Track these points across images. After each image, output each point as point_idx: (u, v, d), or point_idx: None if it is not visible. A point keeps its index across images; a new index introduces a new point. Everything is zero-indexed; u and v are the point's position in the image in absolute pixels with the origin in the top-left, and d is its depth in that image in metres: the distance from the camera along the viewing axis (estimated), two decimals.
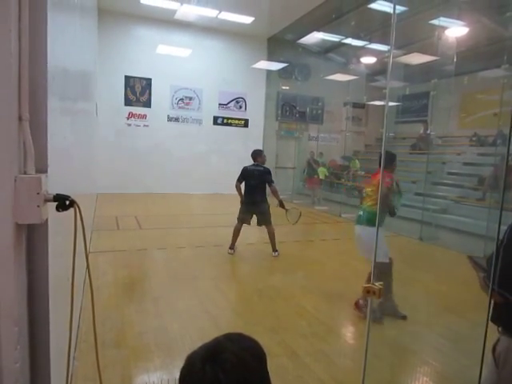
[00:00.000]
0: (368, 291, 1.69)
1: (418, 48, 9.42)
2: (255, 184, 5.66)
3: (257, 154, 5.88)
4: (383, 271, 3.35)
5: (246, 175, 5.76)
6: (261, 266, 5.58)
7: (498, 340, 1.52)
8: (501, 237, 1.51)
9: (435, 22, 8.38)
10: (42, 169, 1.20)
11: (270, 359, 0.87)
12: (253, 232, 7.84)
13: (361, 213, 3.89)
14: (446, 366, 3.02)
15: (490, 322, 1.54)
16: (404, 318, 3.69)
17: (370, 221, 3.68)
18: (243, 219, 5.79)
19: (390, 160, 3.73)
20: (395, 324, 3.61)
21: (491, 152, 8.92)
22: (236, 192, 5.84)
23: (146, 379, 2.60)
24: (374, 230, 3.01)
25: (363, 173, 12.22)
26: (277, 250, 5.88)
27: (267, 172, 5.76)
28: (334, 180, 12.74)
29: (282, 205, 5.71)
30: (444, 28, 8.46)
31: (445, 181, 9.58)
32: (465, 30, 8.59)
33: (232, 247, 5.81)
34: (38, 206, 1.10)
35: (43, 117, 1.24)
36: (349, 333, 3.71)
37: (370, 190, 3.90)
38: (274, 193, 5.72)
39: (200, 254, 5.86)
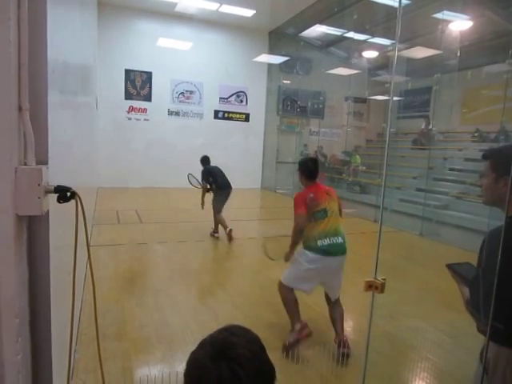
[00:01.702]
0: (370, 286, 1.69)
1: (421, 42, 9.35)
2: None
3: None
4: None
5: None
6: (261, 260, 5.56)
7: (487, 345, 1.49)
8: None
9: (439, 15, 8.30)
10: (42, 160, 1.19)
11: (269, 352, 0.86)
12: (253, 226, 7.84)
13: (341, 239, 3.10)
14: (447, 361, 3.03)
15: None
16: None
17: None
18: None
19: (317, 167, 3.22)
20: (395, 319, 3.61)
21: None
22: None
23: (146, 372, 2.61)
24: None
25: (364, 168, 12.19)
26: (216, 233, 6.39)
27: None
28: (335, 175, 12.71)
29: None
30: (448, 22, 8.39)
31: (446, 177, 9.55)
32: (469, 24, 8.51)
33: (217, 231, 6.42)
34: (39, 198, 1.09)
35: (43, 108, 1.22)
36: (348, 327, 3.71)
37: (330, 203, 3.12)
38: None
39: (200, 248, 5.86)
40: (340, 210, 3.23)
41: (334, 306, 3.29)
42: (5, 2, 1.00)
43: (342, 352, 2.89)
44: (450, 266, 1.61)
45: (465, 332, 3.33)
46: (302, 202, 3.05)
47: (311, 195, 3.06)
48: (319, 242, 3.00)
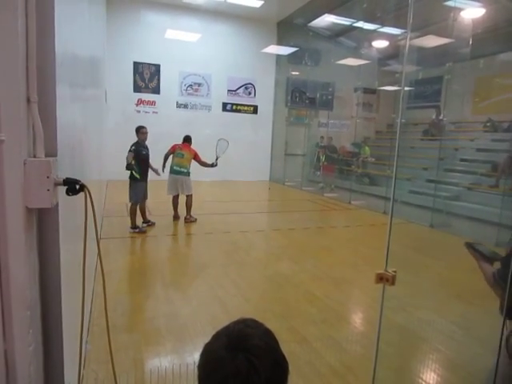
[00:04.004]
0: (381, 278, 1.67)
1: (432, 30, 9.16)
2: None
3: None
4: (190, 200, 6.73)
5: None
6: (270, 253, 5.58)
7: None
8: None
9: (451, 3, 8.10)
10: (51, 152, 1.18)
11: (280, 345, 0.85)
12: (262, 219, 7.85)
13: (183, 169, 6.59)
14: (458, 353, 3.00)
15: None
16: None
17: (188, 173, 6.69)
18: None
19: (190, 139, 6.86)
20: (406, 311, 3.59)
21: (506, 138, 8.71)
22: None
23: (157, 363, 2.64)
24: (190, 177, 6.71)
25: (374, 159, 12.07)
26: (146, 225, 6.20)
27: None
28: (344, 167, 12.61)
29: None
30: (460, 9, 8.18)
31: (457, 167, 9.42)
32: (482, 11, 8.30)
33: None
34: (48, 190, 1.08)
35: (52, 100, 1.22)
36: (358, 319, 3.70)
37: (187, 154, 6.65)
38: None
39: (209, 241, 5.88)
40: (198, 160, 6.82)
41: (186, 198, 6.69)
42: None
43: (190, 221, 6.70)
44: (469, 244, 1.70)
45: (477, 324, 3.30)
46: (172, 147, 6.76)
47: (179, 145, 6.76)
48: (175, 167, 6.57)
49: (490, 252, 1.64)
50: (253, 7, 11.23)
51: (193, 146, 6.88)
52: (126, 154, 5.89)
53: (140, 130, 6.15)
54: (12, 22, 0.99)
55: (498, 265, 1.60)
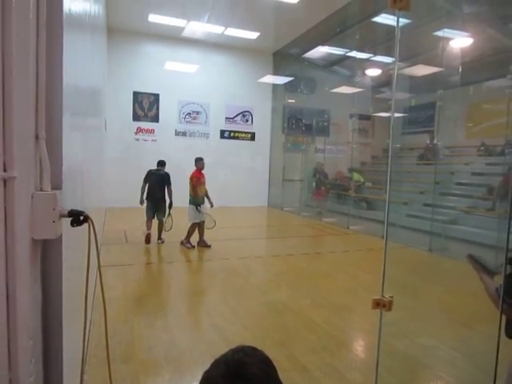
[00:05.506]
0: (378, 304, 1.69)
1: (422, 60, 9.48)
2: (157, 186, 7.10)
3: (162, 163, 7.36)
4: (192, 227, 6.77)
5: (148, 178, 7.23)
6: (269, 280, 5.56)
7: None
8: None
9: (439, 33, 8.43)
10: (57, 185, 1.24)
11: (280, 373, 0.87)
12: (261, 245, 7.83)
13: (189, 197, 6.80)
14: (460, 380, 2.96)
15: (506, 337, 1.53)
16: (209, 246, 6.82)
17: (189, 200, 6.82)
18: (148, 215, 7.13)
19: (196, 161, 6.90)
20: (406, 337, 3.56)
21: (500, 161, 8.85)
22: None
23: None
24: (193, 206, 6.71)
25: (370, 184, 12.16)
26: (161, 238, 7.12)
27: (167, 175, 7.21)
28: (342, 192, 12.69)
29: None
30: (448, 39, 8.51)
31: (453, 191, 9.51)
32: (469, 41, 8.64)
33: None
34: (54, 222, 1.13)
35: (58, 135, 1.28)
36: (359, 346, 3.66)
37: (190, 181, 6.83)
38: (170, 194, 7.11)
39: (208, 268, 5.86)
40: (192, 185, 6.81)
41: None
42: (25, 37, 1.06)
43: (185, 246, 6.82)
44: (471, 256, 1.78)
45: (478, 350, 3.27)
46: None
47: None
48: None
49: (490, 265, 1.68)
50: (249, 39, 11.64)
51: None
52: (169, 186, 7.11)
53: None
54: (23, 66, 1.06)
55: (498, 278, 1.65)
